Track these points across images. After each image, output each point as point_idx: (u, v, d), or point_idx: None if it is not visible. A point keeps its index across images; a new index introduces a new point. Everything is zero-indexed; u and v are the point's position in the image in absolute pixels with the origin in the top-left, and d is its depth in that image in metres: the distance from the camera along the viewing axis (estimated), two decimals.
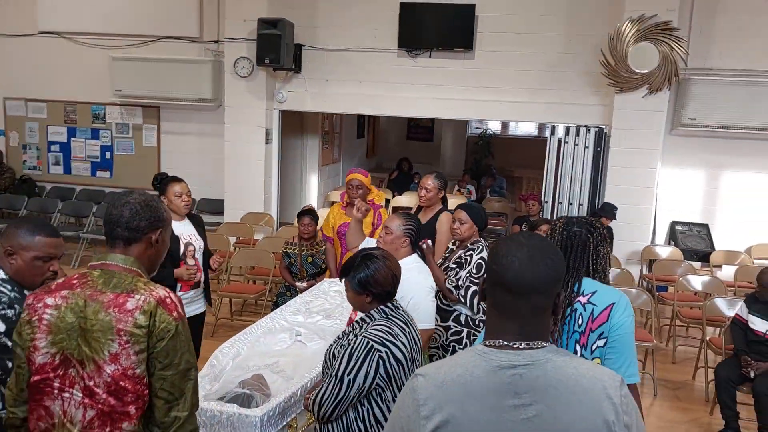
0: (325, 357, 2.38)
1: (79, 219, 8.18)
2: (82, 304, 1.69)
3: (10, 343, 1.89)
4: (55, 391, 1.71)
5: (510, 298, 1.29)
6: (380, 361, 2.19)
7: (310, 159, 9.32)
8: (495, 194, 10.17)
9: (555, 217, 7.09)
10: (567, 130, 7.00)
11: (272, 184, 7.80)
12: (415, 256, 3.15)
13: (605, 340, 2.11)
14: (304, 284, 4.90)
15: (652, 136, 6.56)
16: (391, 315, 2.35)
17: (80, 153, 8.59)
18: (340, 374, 2.19)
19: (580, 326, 2.13)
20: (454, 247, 3.74)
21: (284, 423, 2.71)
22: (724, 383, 4.02)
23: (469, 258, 3.52)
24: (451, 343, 3.55)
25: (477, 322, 3.56)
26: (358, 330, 2.33)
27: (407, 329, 2.34)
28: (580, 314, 2.14)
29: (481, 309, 3.57)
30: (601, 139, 6.87)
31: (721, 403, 4.05)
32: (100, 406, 1.68)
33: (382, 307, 2.35)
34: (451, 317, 3.55)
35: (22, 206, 7.99)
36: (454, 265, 3.56)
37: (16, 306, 2.07)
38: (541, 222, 5.52)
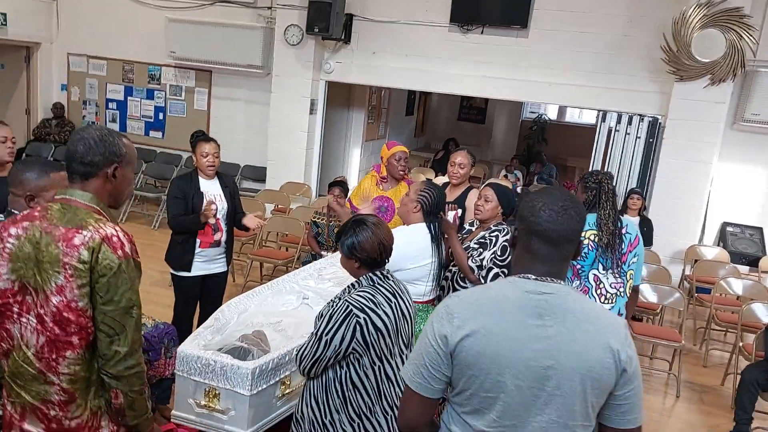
0: (316, 316, 2.39)
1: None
2: (38, 236, 1.76)
3: None
4: (15, 316, 1.80)
5: (544, 245, 1.50)
6: (357, 326, 2.20)
7: (355, 133, 9.28)
8: (542, 182, 9.91)
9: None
10: (619, 118, 6.72)
11: (313, 155, 7.83)
12: (422, 225, 3.09)
13: (636, 257, 3.23)
14: (329, 254, 4.91)
15: (710, 130, 6.21)
16: (378, 283, 2.34)
17: (135, 112, 8.85)
18: (319, 333, 2.23)
19: (623, 250, 3.19)
20: (473, 228, 3.62)
21: (277, 379, 2.73)
22: (748, 385, 3.81)
23: (494, 239, 3.38)
24: None
25: None
26: (345, 294, 2.33)
27: (394, 300, 2.32)
28: (623, 242, 3.19)
29: None
30: (655, 130, 6.56)
31: (738, 404, 3.86)
32: (48, 333, 1.76)
33: (370, 274, 2.35)
34: None
35: None
36: (477, 245, 3.43)
37: None
38: None
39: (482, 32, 7.00)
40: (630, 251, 3.18)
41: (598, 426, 1.56)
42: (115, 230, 1.78)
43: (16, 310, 1.79)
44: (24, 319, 1.79)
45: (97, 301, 1.74)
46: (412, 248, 3.02)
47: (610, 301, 3.22)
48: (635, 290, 3.35)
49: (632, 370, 1.48)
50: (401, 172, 4.20)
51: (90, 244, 1.72)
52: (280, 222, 6.25)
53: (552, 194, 1.53)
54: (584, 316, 1.48)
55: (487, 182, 3.73)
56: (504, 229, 3.40)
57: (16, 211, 2.23)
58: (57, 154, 8.37)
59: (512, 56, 6.93)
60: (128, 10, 8.46)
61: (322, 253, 5.09)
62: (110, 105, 8.94)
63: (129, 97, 8.82)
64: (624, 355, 1.46)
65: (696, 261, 6.08)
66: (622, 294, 3.20)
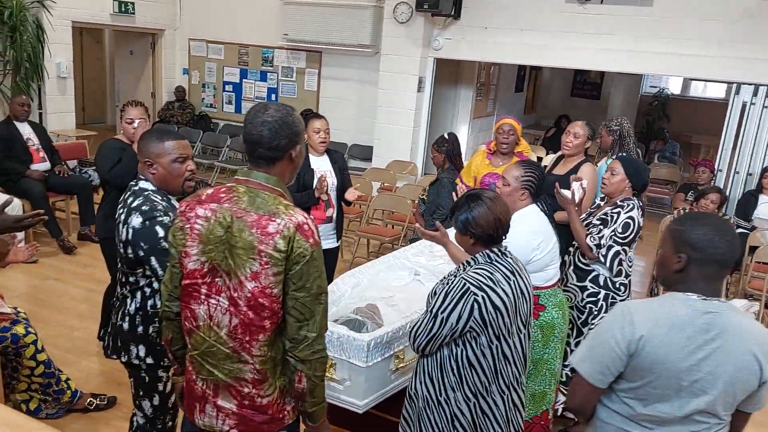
0: (429, 294, 2.35)
1: (246, 156, 8.80)
2: (229, 220, 1.75)
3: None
4: (202, 297, 1.82)
5: (718, 270, 1.74)
6: (475, 304, 2.13)
7: (462, 110, 9.13)
8: (665, 160, 9.30)
9: (724, 186, 6.31)
10: (755, 90, 6.14)
11: (420, 133, 7.80)
12: (534, 207, 2.94)
13: None
14: None
15: None
16: (496, 260, 2.26)
17: (250, 93, 9.20)
18: (434, 311, 2.19)
19: None
20: (602, 203, 3.46)
21: (391, 353, 2.73)
22: None
23: (616, 216, 3.22)
24: (587, 305, 3.32)
25: (618, 285, 3.28)
26: (460, 271, 2.27)
27: (513, 278, 2.24)
28: None
29: (623, 271, 3.29)
30: None
31: None
32: (241, 316, 1.78)
33: (487, 251, 2.27)
34: (589, 277, 3.32)
35: (197, 140, 8.80)
36: (598, 222, 3.30)
37: (170, 213, 2.27)
38: (710, 190, 5.01)
39: (602, 2, 6.62)
40: None
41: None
42: (305, 217, 1.76)
43: (204, 291, 1.81)
44: (213, 300, 1.80)
45: (289, 287, 1.74)
46: (537, 235, 2.89)
47: None
48: None
49: None
50: (502, 145, 4.06)
51: (285, 233, 1.70)
52: (387, 200, 6.29)
53: (721, 225, 1.74)
54: (740, 330, 1.73)
55: (618, 155, 3.53)
56: (628, 205, 3.22)
57: (143, 177, 2.36)
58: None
59: (634, 27, 6.51)
60: None
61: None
62: (227, 87, 9.36)
63: (244, 80, 9.18)
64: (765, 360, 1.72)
65: None
66: None
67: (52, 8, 7.42)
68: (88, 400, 3.39)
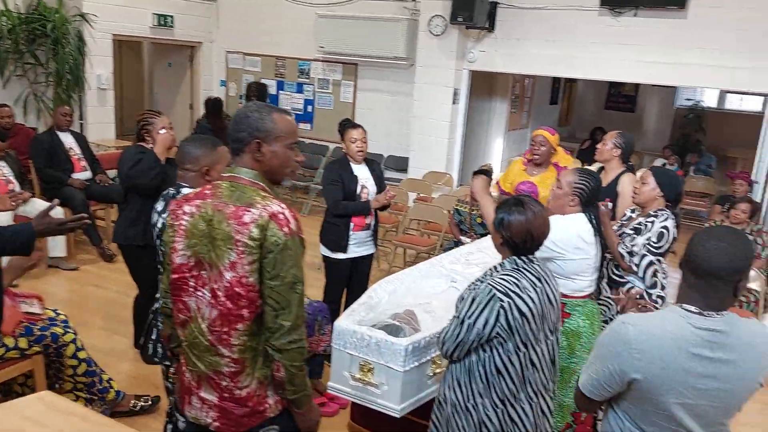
0: (457, 299, 2.38)
1: None
2: (210, 213, 1.82)
3: None
4: (191, 289, 1.88)
5: (716, 282, 1.64)
6: (501, 310, 2.16)
7: (497, 123, 9.14)
8: (700, 173, 9.17)
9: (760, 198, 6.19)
10: None
11: (455, 145, 7.82)
12: (581, 216, 2.94)
13: None
14: (469, 240, 4.88)
15: None
16: (523, 267, 2.28)
17: (287, 105, 9.32)
18: (461, 317, 2.22)
19: None
20: (633, 215, 3.45)
21: (428, 358, 2.76)
22: None
23: (650, 225, 3.22)
24: None
25: (654, 297, 3.25)
26: (487, 277, 2.29)
27: (540, 285, 2.25)
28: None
29: (658, 282, 3.26)
30: None
31: None
32: (220, 307, 1.83)
33: (515, 257, 2.29)
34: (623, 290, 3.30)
35: None
36: (632, 231, 3.30)
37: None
38: (741, 200, 4.96)
39: (635, 14, 6.59)
40: None
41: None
42: (281, 207, 1.80)
43: (192, 284, 1.87)
44: (200, 293, 1.86)
45: (264, 276, 1.78)
46: (573, 237, 2.86)
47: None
48: None
49: None
50: (534, 156, 4.15)
51: (259, 222, 1.75)
52: (423, 210, 6.32)
53: (718, 234, 1.68)
54: (748, 342, 1.70)
55: (651, 166, 3.53)
56: (662, 215, 3.21)
57: (185, 185, 2.43)
58: None
59: (669, 39, 6.46)
60: (281, 9, 8.93)
61: (462, 238, 5.08)
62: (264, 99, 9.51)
63: (281, 91, 9.32)
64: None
65: None
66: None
67: (94, 22, 7.66)
68: (132, 402, 3.45)
